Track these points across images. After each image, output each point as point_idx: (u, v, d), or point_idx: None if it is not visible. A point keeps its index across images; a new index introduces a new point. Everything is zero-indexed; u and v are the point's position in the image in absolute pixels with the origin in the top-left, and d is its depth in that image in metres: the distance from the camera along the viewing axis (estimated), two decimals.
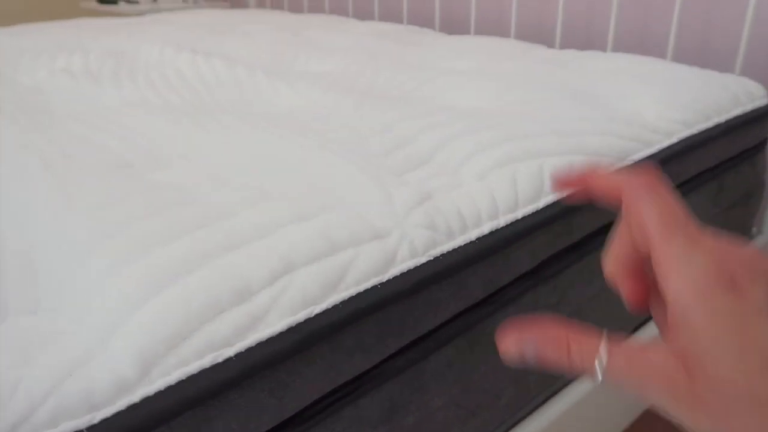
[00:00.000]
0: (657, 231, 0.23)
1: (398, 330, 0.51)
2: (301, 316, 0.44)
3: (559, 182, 0.28)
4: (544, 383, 0.71)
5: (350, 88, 0.96)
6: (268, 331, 0.43)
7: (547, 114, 0.80)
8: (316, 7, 2.12)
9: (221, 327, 0.41)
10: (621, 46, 1.36)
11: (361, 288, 0.48)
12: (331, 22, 1.73)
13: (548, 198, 0.63)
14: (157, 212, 0.52)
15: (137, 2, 2.51)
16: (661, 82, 0.94)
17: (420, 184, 0.60)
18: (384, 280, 0.49)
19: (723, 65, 1.21)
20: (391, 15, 1.85)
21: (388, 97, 0.93)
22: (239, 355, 0.41)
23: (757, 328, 0.20)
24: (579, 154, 0.69)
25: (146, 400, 0.37)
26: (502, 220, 0.59)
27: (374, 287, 0.48)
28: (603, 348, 0.23)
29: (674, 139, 0.80)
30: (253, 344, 0.42)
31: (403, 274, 0.50)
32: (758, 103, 0.96)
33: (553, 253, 0.65)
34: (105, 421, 0.36)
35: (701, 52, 1.24)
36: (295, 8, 2.21)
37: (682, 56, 1.27)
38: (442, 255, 0.53)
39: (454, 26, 1.69)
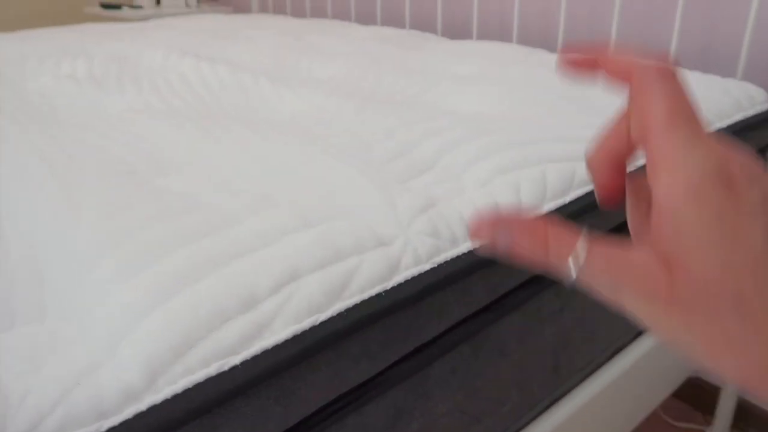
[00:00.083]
0: (661, 120, 0.22)
1: (402, 337, 0.52)
2: (306, 323, 0.44)
3: (567, 61, 0.26)
4: (548, 389, 0.71)
5: (353, 94, 0.97)
6: (273, 339, 0.43)
7: (549, 120, 0.80)
8: (318, 12, 2.13)
9: (227, 335, 0.41)
10: None
11: (366, 296, 0.48)
12: (334, 27, 1.73)
13: (551, 204, 0.63)
14: (163, 219, 0.52)
15: (141, 7, 2.52)
16: None
17: (423, 190, 0.60)
18: (388, 288, 0.49)
19: (725, 70, 1.21)
20: (393, 19, 1.86)
21: (390, 102, 0.93)
22: (245, 363, 0.41)
23: (750, 229, 0.20)
24: (582, 161, 0.69)
25: (153, 408, 0.38)
26: None
27: (378, 295, 0.49)
28: (581, 245, 0.22)
29: None
30: (259, 352, 0.42)
31: (407, 282, 0.51)
32: (760, 108, 0.96)
33: None
34: (112, 430, 0.36)
35: (703, 57, 1.25)
36: (298, 13, 2.22)
37: (684, 61, 1.27)
38: (446, 262, 0.53)
39: (456, 30, 1.69)
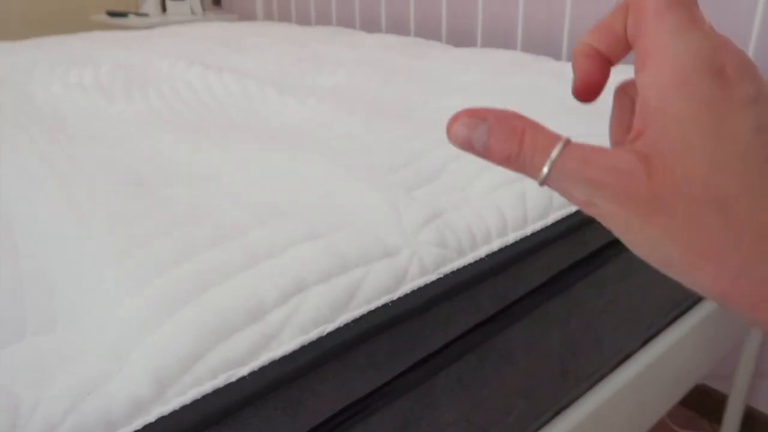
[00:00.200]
0: (656, 5, 0.20)
1: (409, 347, 0.52)
2: (313, 334, 0.45)
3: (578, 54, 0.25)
4: (553, 398, 0.71)
5: (358, 102, 0.97)
6: (281, 350, 0.43)
7: (555, 129, 0.80)
8: (323, 19, 2.14)
9: (235, 346, 0.42)
10: (628, 58, 1.36)
11: (372, 306, 0.48)
12: (339, 35, 1.74)
13: (557, 214, 0.63)
14: (170, 230, 0.53)
15: (147, 15, 2.54)
16: None
17: (429, 200, 0.60)
18: (395, 298, 0.50)
19: None
20: (398, 26, 1.86)
21: (396, 111, 0.93)
22: (253, 374, 0.42)
23: (739, 124, 0.18)
24: None
25: (161, 420, 0.38)
26: (512, 237, 0.59)
27: (385, 305, 0.49)
28: (559, 144, 0.21)
29: None
30: (266, 363, 0.42)
31: (413, 292, 0.51)
32: None
33: (563, 268, 0.66)
34: None
35: None
36: (303, 20, 2.23)
37: None
38: (452, 272, 0.54)
39: (460, 37, 1.70)
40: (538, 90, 1.00)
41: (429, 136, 0.76)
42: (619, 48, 0.23)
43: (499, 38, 1.61)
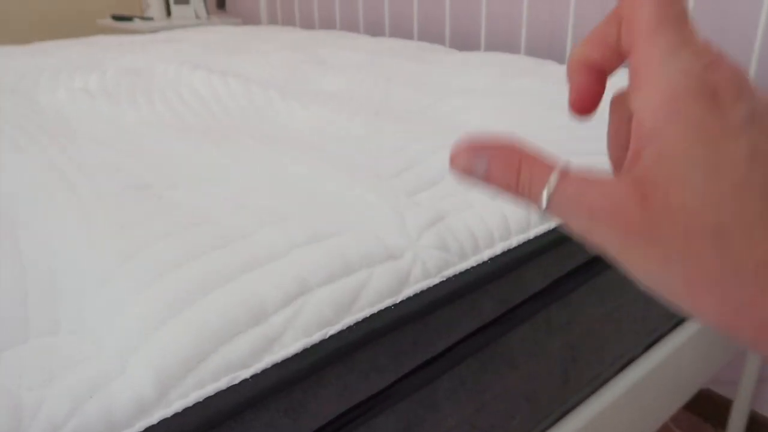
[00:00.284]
0: (647, 24, 0.20)
1: (412, 350, 0.52)
2: (316, 337, 0.45)
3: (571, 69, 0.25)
4: (557, 402, 0.71)
5: (362, 107, 0.98)
6: (283, 353, 0.43)
7: (558, 133, 0.80)
8: (327, 23, 2.15)
9: (237, 349, 0.42)
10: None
11: (375, 309, 0.48)
12: (343, 39, 1.74)
13: None
14: (175, 233, 0.53)
15: (151, 19, 2.55)
16: None
17: (432, 204, 0.60)
18: (397, 301, 0.50)
19: None
20: (401, 30, 1.87)
21: (400, 116, 0.94)
22: (255, 377, 0.42)
23: (734, 150, 0.18)
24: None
25: (164, 422, 0.38)
26: (515, 241, 0.59)
27: (388, 308, 0.49)
28: (554, 175, 0.20)
29: None
30: (269, 366, 0.42)
31: (416, 295, 0.51)
32: None
33: (566, 272, 0.66)
34: None
35: None
36: (307, 24, 2.24)
37: None
38: (455, 276, 0.54)
39: (464, 41, 1.70)
40: (545, 94, 1.00)
41: (432, 139, 0.76)
42: (614, 58, 0.23)
43: (503, 42, 1.61)
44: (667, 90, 0.19)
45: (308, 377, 0.44)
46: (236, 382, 0.41)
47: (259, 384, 0.42)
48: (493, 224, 0.59)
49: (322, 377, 0.46)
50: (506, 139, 0.22)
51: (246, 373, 0.41)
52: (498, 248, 0.57)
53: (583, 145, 0.75)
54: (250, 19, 2.58)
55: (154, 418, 0.38)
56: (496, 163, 0.22)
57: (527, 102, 0.94)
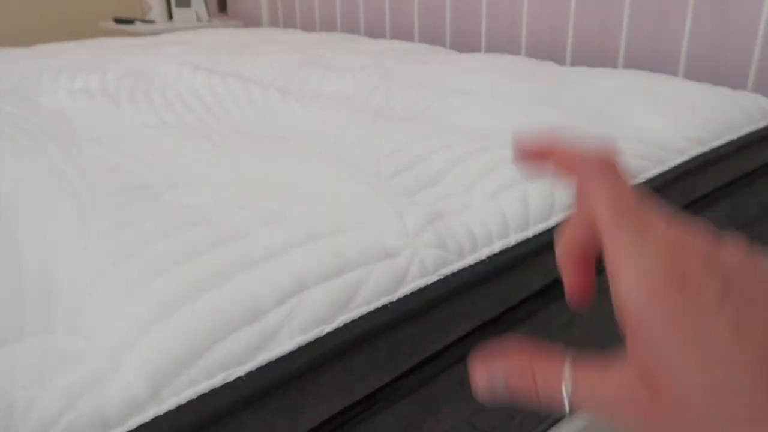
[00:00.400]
0: (605, 220, 0.21)
1: (410, 349, 0.51)
2: (311, 335, 0.44)
3: (520, 151, 0.25)
4: None
5: (362, 108, 0.97)
6: (278, 351, 0.43)
7: (559, 133, 0.80)
8: (328, 25, 2.15)
9: (232, 346, 0.41)
10: (632, 62, 1.36)
11: (372, 307, 0.48)
12: (343, 41, 1.74)
13: (559, 216, 0.63)
14: (171, 233, 0.52)
15: (153, 22, 2.56)
16: (672, 100, 0.94)
17: (431, 203, 0.60)
18: (394, 300, 0.49)
19: (735, 82, 1.20)
20: (402, 32, 1.87)
21: (399, 117, 0.93)
22: (250, 375, 0.41)
23: (714, 331, 0.18)
24: None
25: (157, 420, 0.38)
26: (513, 239, 0.58)
27: (385, 306, 0.48)
28: (567, 375, 0.21)
29: (686, 157, 0.80)
30: (264, 364, 0.42)
31: (413, 293, 0.50)
32: None
33: None
34: None
35: (713, 69, 1.24)
36: (308, 26, 2.24)
37: (694, 73, 1.27)
38: (453, 274, 0.53)
39: (464, 43, 1.70)
40: (544, 96, 1.00)
41: (432, 140, 0.75)
42: (592, 244, 0.23)
43: (504, 43, 1.61)
44: (639, 280, 0.19)
45: (305, 376, 0.44)
46: (231, 379, 0.40)
47: (254, 382, 0.41)
48: (492, 223, 0.58)
49: (319, 376, 0.45)
50: (514, 344, 0.23)
51: (241, 371, 0.41)
52: (496, 247, 0.57)
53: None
54: (251, 21, 2.59)
55: (146, 416, 0.37)
56: (512, 377, 0.22)
57: (527, 103, 0.94)
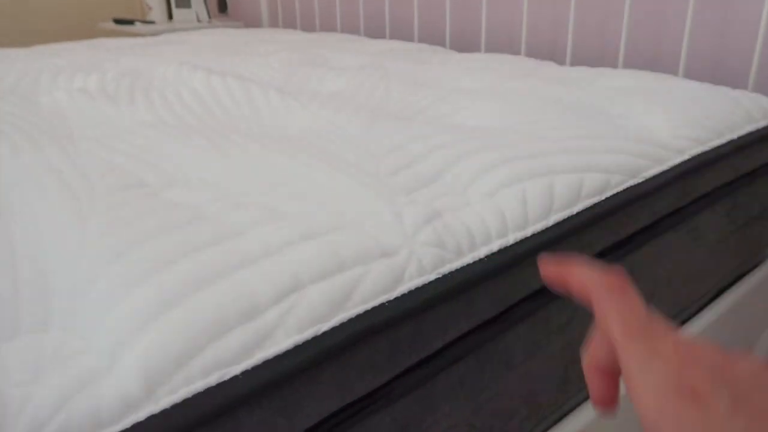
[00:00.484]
0: (619, 335, 0.23)
1: (407, 348, 0.51)
2: (308, 334, 0.44)
3: (544, 277, 0.28)
4: (556, 403, 0.70)
5: (361, 108, 0.97)
6: (274, 350, 0.42)
7: (557, 132, 0.80)
8: (328, 26, 2.15)
9: (228, 345, 0.41)
10: (632, 62, 1.36)
11: (369, 306, 0.48)
12: (343, 41, 1.74)
13: (558, 215, 0.63)
14: (168, 231, 0.52)
15: (153, 22, 2.56)
16: (672, 99, 0.93)
17: (429, 202, 0.60)
18: (392, 298, 0.49)
19: (736, 81, 1.20)
20: (401, 32, 1.87)
21: (398, 116, 0.93)
22: (246, 374, 0.41)
23: None
24: (589, 172, 0.68)
25: (151, 419, 0.37)
26: (512, 238, 0.58)
27: (382, 305, 0.48)
28: None
29: (686, 156, 0.80)
30: (260, 362, 0.42)
31: (411, 292, 0.50)
32: None
33: None
34: None
35: (713, 69, 1.24)
36: (308, 27, 2.24)
37: (694, 72, 1.27)
38: (451, 273, 0.53)
39: (464, 43, 1.70)
40: (543, 95, 1.00)
41: (430, 139, 0.75)
42: (613, 357, 0.25)
43: (504, 43, 1.61)
44: (651, 394, 0.21)
45: (302, 374, 0.44)
46: (226, 378, 0.40)
47: (250, 381, 0.41)
48: (491, 222, 0.58)
49: (316, 375, 0.45)
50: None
51: (237, 370, 0.41)
52: (495, 245, 0.57)
53: (580, 143, 0.74)
54: (251, 22, 2.59)
55: (141, 415, 0.37)
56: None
57: (526, 103, 0.93)
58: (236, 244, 0.50)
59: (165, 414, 0.37)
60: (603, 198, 0.67)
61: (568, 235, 0.62)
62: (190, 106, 1.02)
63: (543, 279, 0.28)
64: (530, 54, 1.54)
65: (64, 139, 0.84)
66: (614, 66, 1.38)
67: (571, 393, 0.72)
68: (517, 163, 0.67)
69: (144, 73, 1.29)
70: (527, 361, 0.64)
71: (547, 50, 1.51)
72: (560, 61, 1.47)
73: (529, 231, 0.60)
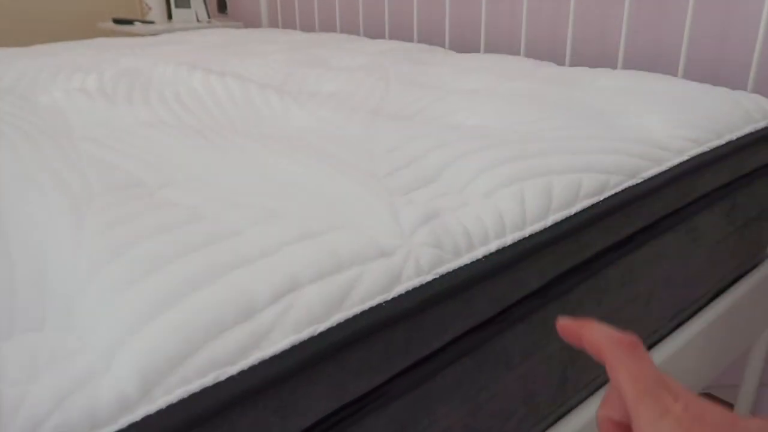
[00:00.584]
0: (630, 395, 0.24)
1: (404, 349, 0.51)
2: (305, 334, 0.44)
3: (562, 336, 0.29)
4: (554, 404, 0.70)
5: (360, 108, 0.97)
6: (271, 350, 0.42)
7: (555, 133, 0.79)
8: (327, 26, 2.15)
9: (225, 345, 0.41)
10: (632, 62, 1.36)
11: (366, 306, 0.48)
12: (343, 41, 1.74)
13: (556, 216, 0.63)
14: (165, 231, 0.52)
15: (152, 22, 2.55)
16: (671, 100, 0.93)
17: (427, 202, 0.60)
18: (389, 299, 0.49)
19: (735, 82, 1.20)
20: (401, 32, 1.87)
21: (397, 116, 0.93)
22: (242, 374, 0.41)
23: None
24: (588, 172, 0.68)
25: (147, 419, 0.37)
26: (510, 238, 0.58)
27: (379, 305, 0.48)
28: None
29: (685, 157, 0.80)
30: (257, 363, 0.42)
31: (408, 293, 0.50)
32: None
33: (562, 271, 0.65)
34: None
35: (713, 69, 1.24)
36: (307, 27, 2.24)
37: (694, 73, 1.27)
38: (449, 273, 0.53)
39: (464, 43, 1.70)
40: (542, 95, 1.00)
41: (429, 140, 0.75)
42: (626, 414, 0.26)
43: (503, 43, 1.61)
44: None
45: (298, 375, 0.44)
46: (222, 378, 0.40)
47: (246, 381, 0.41)
48: (488, 222, 0.58)
49: (313, 375, 0.45)
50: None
51: (233, 370, 0.41)
52: (493, 246, 0.57)
53: (579, 144, 0.74)
54: (251, 22, 2.59)
55: (137, 415, 0.37)
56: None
57: (526, 103, 0.93)
58: (233, 243, 0.50)
59: (161, 414, 0.37)
60: (601, 198, 0.67)
61: (567, 235, 0.62)
62: (188, 106, 1.02)
63: (559, 334, 0.29)
64: (529, 54, 1.54)
65: (63, 139, 0.84)
66: (613, 66, 1.38)
67: (569, 393, 0.72)
68: (515, 164, 0.67)
69: (143, 73, 1.29)
70: (525, 361, 0.63)
71: (546, 50, 1.51)
72: (559, 62, 1.47)
73: (527, 231, 0.60)
